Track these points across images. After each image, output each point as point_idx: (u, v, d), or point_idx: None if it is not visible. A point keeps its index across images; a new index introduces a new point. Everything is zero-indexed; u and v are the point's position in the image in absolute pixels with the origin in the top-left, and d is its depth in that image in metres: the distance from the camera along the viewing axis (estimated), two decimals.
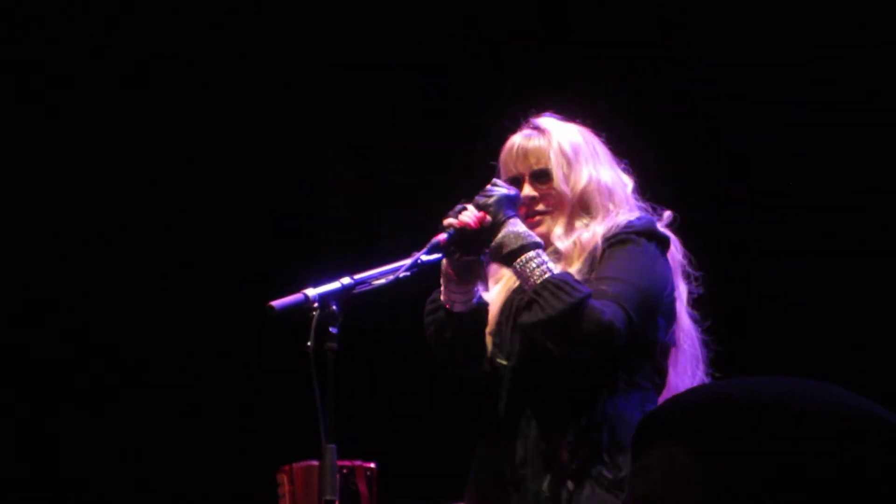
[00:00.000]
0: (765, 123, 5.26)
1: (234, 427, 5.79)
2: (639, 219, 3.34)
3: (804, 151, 5.18)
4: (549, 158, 3.40)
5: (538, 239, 3.31)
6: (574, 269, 3.30)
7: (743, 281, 5.16)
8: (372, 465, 4.14)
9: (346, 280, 3.30)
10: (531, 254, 3.26)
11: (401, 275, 3.33)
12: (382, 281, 3.34)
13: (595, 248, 3.29)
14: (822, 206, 5.14)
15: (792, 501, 1.18)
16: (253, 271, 5.68)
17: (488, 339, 3.40)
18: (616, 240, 3.29)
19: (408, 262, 3.35)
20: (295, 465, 4.14)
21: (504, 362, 3.36)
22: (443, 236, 3.36)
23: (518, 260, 3.27)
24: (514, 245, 3.27)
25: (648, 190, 3.55)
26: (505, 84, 5.54)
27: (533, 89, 3.63)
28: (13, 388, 5.98)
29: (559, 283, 3.19)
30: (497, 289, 3.44)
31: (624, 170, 3.51)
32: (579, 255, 3.31)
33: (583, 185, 3.38)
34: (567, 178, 3.38)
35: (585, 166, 3.40)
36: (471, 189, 3.50)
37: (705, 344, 3.47)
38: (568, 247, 3.34)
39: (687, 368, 3.40)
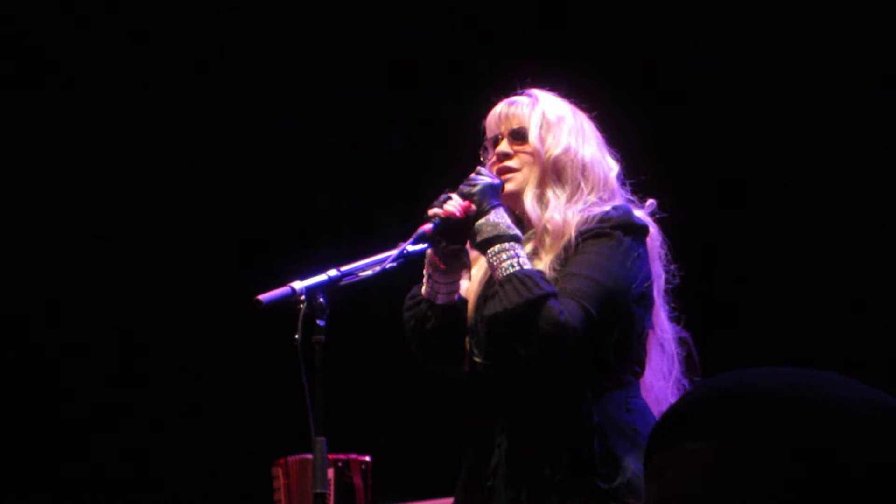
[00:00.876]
0: (766, 116, 5.23)
1: (229, 421, 5.79)
2: (615, 209, 3.26)
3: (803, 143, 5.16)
4: (528, 119, 3.35)
5: (517, 232, 3.26)
6: (545, 261, 3.24)
7: (731, 277, 5.13)
8: (367, 458, 4.15)
9: (332, 272, 3.29)
10: (505, 245, 3.21)
11: (387, 266, 3.31)
12: (369, 272, 3.32)
13: (569, 242, 3.22)
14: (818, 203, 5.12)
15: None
16: (240, 264, 5.69)
17: (467, 337, 3.36)
18: (590, 234, 3.22)
19: (394, 252, 3.33)
20: (290, 459, 4.16)
21: (479, 360, 3.33)
22: (429, 226, 3.33)
23: (491, 248, 3.23)
24: (490, 234, 3.24)
25: (643, 179, 3.49)
26: (500, 73, 5.52)
27: (530, 80, 3.59)
28: (13, 384, 5.99)
29: (522, 278, 3.15)
30: (472, 283, 3.40)
31: (613, 156, 3.43)
32: (551, 246, 3.25)
33: (559, 151, 3.31)
34: (543, 139, 3.32)
35: (566, 135, 3.33)
36: (460, 179, 3.49)
37: (681, 340, 3.40)
38: (538, 226, 3.28)
39: (661, 363, 3.35)
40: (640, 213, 3.32)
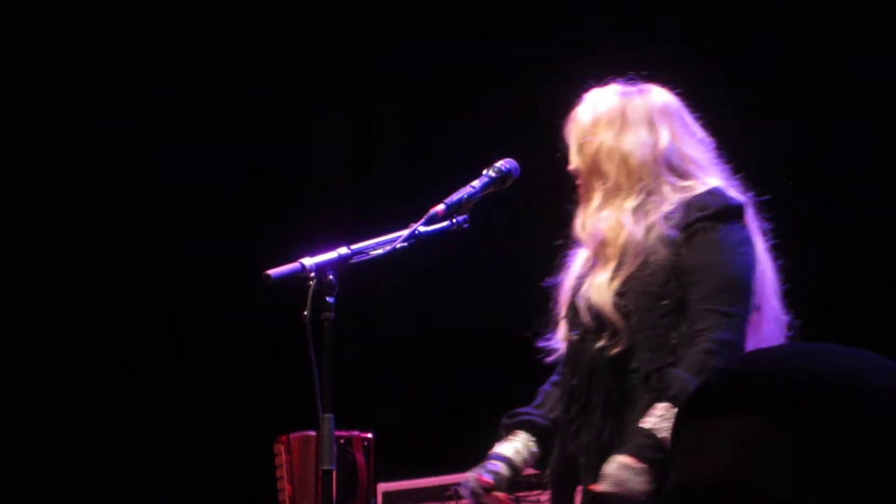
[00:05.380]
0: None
1: (231, 398, 5.80)
2: (711, 195, 3.26)
3: None
4: (571, 136, 3.39)
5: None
6: (608, 270, 3.25)
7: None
8: (369, 435, 4.15)
9: (343, 250, 3.29)
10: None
11: (398, 246, 3.33)
12: (380, 251, 3.33)
13: (659, 241, 3.23)
14: None
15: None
16: (250, 240, 5.68)
17: (562, 320, 3.38)
18: (695, 228, 3.22)
19: (405, 233, 3.34)
20: (292, 436, 4.15)
21: (575, 338, 3.33)
22: (440, 207, 3.35)
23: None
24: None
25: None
26: (505, 52, 5.53)
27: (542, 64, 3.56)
28: (18, 365, 5.99)
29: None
30: (568, 274, 3.41)
31: (676, 123, 3.38)
32: (639, 253, 3.24)
33: (592, 154, 3.33)
34: (580, 150, 3.36)
35: (602, 133, 3.33)
36: (468, 161, 3.50)
37: (785, 305, 3.37)
38: (595, 237, 3.29)
39: (767, 334, 3.31)
40: (732, 192, 3.31)
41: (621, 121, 3.35)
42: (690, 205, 3.25)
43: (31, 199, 6.02)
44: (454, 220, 3.38)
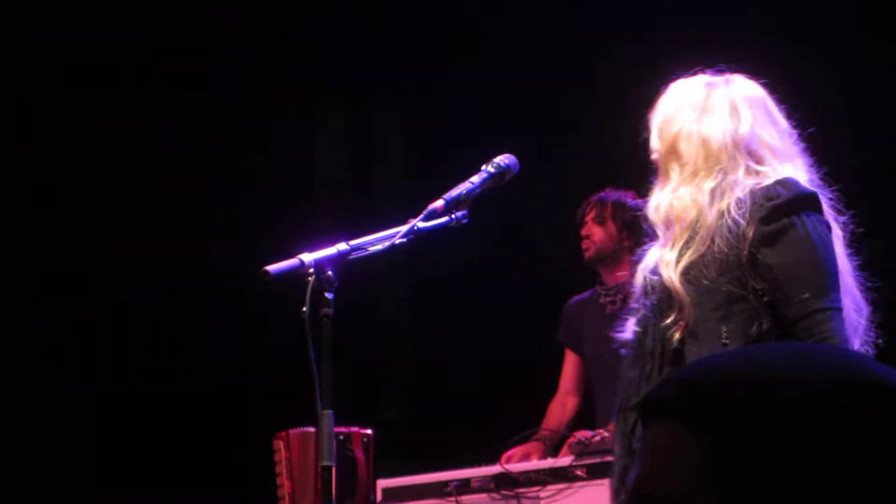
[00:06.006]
0: None
1: (230, 394, 5.80)
2: (781, 184, 3.23)
3: None
4: (652, 123, 3.38)
5: None
6: (675, 250, 3.23)
7: None
8: (368, 431, 4.16)
9: (342, 246, 3.29)
10: None
11: (397, 241, 3.32)
12: (378, 247, 3.33)
13: (726, 230, 3.20)
14: None
15: (799, 488, 1.10)
16: (249, 240, 5.69)
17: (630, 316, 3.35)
18: (779, 226, 3.20)
19: (404, 228, 3.34)
20: (291, 432, 4.16)
21: (640, 329, 3.28)
22: (439, 203, 3.35)
23: None
24: None
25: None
26: (505, 51, 5.53)
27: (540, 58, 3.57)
28: (18, 364, 6.00)
29: None
30: (638, 270, 3.38)
31: (760, 111, 3.36)
32: (680, 234, 3.24)
33: (671, 136, 3.32)
34: (660, 134, 3.35)
35: (681, 118, 3.34)
36: (467, 160, 3.50)
37: (865, 293, 3.33)
38: (663, 216, 3.28)
39: (849, 325, 3.28)
40: (803, 179, 3.29)
41: (703, 106, 3.35)
42: (760, 194, 3.22)
43: (31, 199, 6.03)
44: (453, 216, 3.37)
